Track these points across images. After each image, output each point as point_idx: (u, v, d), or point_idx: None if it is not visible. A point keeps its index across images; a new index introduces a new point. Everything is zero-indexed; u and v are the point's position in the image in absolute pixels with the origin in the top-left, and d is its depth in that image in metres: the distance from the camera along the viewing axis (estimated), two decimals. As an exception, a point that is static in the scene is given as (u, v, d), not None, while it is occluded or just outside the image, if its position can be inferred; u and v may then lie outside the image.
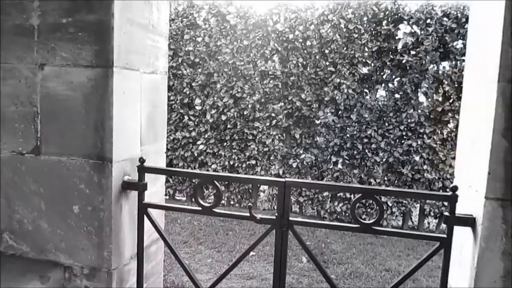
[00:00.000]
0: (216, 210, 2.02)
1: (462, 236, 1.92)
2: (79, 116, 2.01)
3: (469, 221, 1.77)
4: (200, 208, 2.04)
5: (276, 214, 1.92)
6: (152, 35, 2.29)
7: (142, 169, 2.06)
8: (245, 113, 6.17)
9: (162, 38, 2.39)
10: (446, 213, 1.77)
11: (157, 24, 2.34)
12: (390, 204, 5.79)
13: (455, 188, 1.74)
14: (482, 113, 1.79)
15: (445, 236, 1.78)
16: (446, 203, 5.68)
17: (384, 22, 5.72)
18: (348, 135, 5.86)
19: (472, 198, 1.84)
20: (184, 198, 6.82)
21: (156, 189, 2.42)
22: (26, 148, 2.11)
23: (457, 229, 1.81)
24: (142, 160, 2.06)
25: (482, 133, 1.76)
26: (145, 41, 2.23)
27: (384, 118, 5.79)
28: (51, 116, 2.06)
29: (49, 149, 2.08)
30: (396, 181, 5.84)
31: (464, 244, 1.90)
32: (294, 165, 6.06)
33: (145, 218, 2.11)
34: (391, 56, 5.72)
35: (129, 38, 2.08)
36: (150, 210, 2.12)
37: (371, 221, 1.85)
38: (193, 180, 6.26)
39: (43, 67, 2.05)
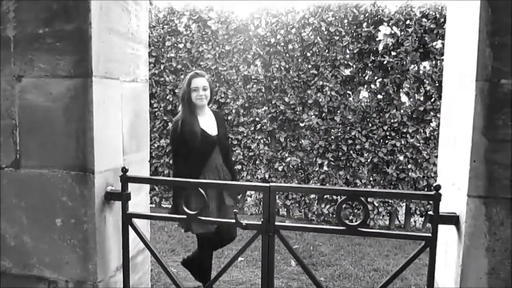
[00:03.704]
0: (201, 217, 2.01)
1: (447, 234, 1.94)
2: (59, 128, 1.98)
3: (453, 219, 1.79)
4: (185, 217, 2.02)
5: (262, 220, 1.92)
6: (132, 43, 2.28)
7: (125, 179, 2.04)
8: (229, 118, 6.16)
9: (141, 45, 2.38)
10: (431, 212, 1.79)
11: (137, 32, 2.32)
12: (376, 204, 5.82)
13: (438, 187, 1.76)
14: (462, 112, 1.81)
15: (430, 235, 1.80)
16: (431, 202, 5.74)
17: (365, 24, 5.77)
18: (332, 137, 5.88)
19: (455, 196, 1.86)
20: (170, 206, 6.76)
21: (140, 198, 2.40)
22: (6, 162, 2.07)
23: (441, 227, 1.83)
24: (124, 170, 2.04)
25: (462, 132, 1.79)
26: (125, 49, 2.21)
27: (368, 119, 5.83)
28: (31, 128, 2.03)
29: (30, 162, 2.05)
30: (382, 181, 5.88)
31: (449, 242, 1.92)
32: (280, 168, 6.06)
33: (130, 228, 2.09)
34: (372, 58, 5.77)
35: (108, 47, 2.06)
36: (135, 220, 2.10)
37: (357, 222, 1.86)
38: (179, 187, 6.21)
39: (21, 79, 2.02)
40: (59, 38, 1.96)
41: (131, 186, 2.11)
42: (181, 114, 3.34)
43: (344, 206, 5.65)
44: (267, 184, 1.90)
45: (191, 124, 3.23)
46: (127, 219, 2.07)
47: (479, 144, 1.66)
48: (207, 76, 3.41)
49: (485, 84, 1.64)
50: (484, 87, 1.65)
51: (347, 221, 1.85)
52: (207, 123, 3.34)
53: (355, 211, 5.89)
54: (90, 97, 1.94)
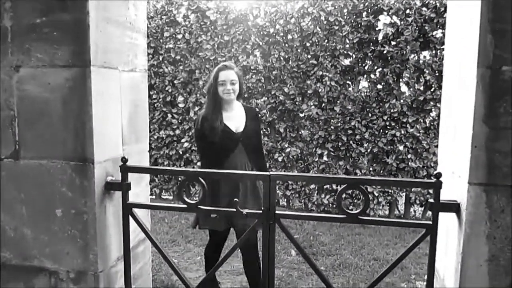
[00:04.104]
0: (201, 207, 2.01)
1: (447, 222, 1.94)
2: (58, 118, 1.97)
3: (453, 207, 1.79)
4: (185, 206, 2.02)
5: (263, 208, 1.92)
6: (130, 32, 2.26)
7: (125, 168, 2.03)
8: (228, 109, 6.14)
9: (140, 35, 2.36)
10: (431, 200, 1.78)
11: (135, 21, 2.30)
12: (376, 194, 5.83)
13: (439, 175, 1.75)
14: (463, 100, 1.80)
15: (430, 223, 1.79)
16: (431, 191, 5.74)
17: (364, 14, 5.74)
18: (332, 127, 5.88)
19: (456, 184, 1.86)
20: (171, 197, 6.78)
21: (140, 189, 2.39)
22: (5, 153, 2.06)
23: (442, 215, 1.83)
24: (124, 160, 2.03)
25: (463, 120, 1.78)
26: (123, 39, 2.20)
27: (368, 109, 5.82)
28: (29, 119, 2.02)
29: (29, 153, 2.04)
30: (382, 171, 5.89)
31: (449, 230, 1.92)
32: (280, 159, 6.06)
33: (131, 218, 2.08)
34: (372, 47, 5.74)
35: (106, 36, 2.04)
36: (135, 210, 2.09)
37: (357, 211, 1.86)
38: (179, 178, 6.22)
39: (19, 69, 2.00)
40: (56, 28, 1.94)
41: (131, 177, 2.11)
42: (204, 109, 3.16)
43: (344, 196, 5.66)
44: (267, 173, 1.90)
45: (212, 120, 3.03)
46: (128, 209, 2.06)
47: (480, 132, 1.66)
48: (237, 68, 3.17)
49: (486, 71, 1.63)
50: (486, 74, 1.63)
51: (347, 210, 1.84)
52: (233, 119, 3.11)
53: (355, 201, 5.90)
54: (88, 87, 1.92)
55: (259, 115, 3.20)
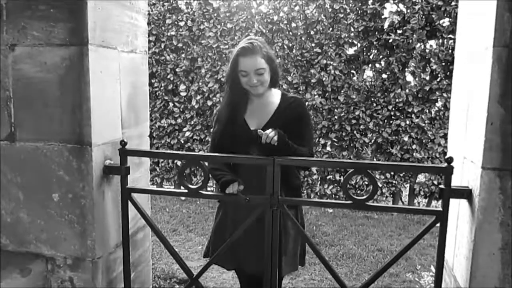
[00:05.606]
0: (202, 192, 1.94)
1: (457, 209, 1.88)
2: (55, 99, 1.90)
3: (465, 193, 1.72)
4: (186, 191, 1.95)
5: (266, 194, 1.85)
6: (130, 12, 2.18)
7: (124, 152, 1.96)
8: (231, 98, 6.05)
9: (140, 15, 2.28)
10: (442, 186, 1.71)
11: (135, 1, 2.22)
12: (380, 185, 5.76)
13: (450, 160, 1.68)
14: (476, 82, 1.73)
15: (441, 209, 1.73)
16: (436, 182, 5.67)
17: (370, 1, 5.62)
18: (336, 117, 5.79)
19: (467, 169, 1.79)
20: (172, 187, 6.72)
21: (140, 174, 2.33)
22: (1, 135, 2.00)
23: (451, 203, 1.75)
24: (123, 143, 1.96)
25: (477, 102, 1.71)
26: (123, 18, 2.12)
27: (372, 99, 5.73)
28: (25, 99, 1.95)
29: (25, 135, 1.97)
30: (386, 162, 5.81)
31: (460, 218, 1.85)
32: (283, 149, 5.98)
33: (130, 204, 2.02)
34: (378, 36, 5.63)
35: (105, 15, 1.96)
36: (134, 195, 2.03)
37: (364, 197, 1.79)
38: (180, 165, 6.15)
39: (14, 48, 1.93)
40: (52, 5, 1.87)
41: (131, 162, 2.05)
42: (223, 102, 2.31)
43: (347, 184, 5.59)
44: (271, 157, 1.83)
45: (231, 112, 2.21)
46: (126, 194, 2.00)
47: (495, 114, 1.58)
48: (265, 49, 2.16)
49: (503, 50, 1.55)
50: (502, 53, 1.55)
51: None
52: (258, 112, 2.22)
53: (358, 192, 5.83)
54: (86, 67, 1.85)
55: (303, 108, 2.27)
